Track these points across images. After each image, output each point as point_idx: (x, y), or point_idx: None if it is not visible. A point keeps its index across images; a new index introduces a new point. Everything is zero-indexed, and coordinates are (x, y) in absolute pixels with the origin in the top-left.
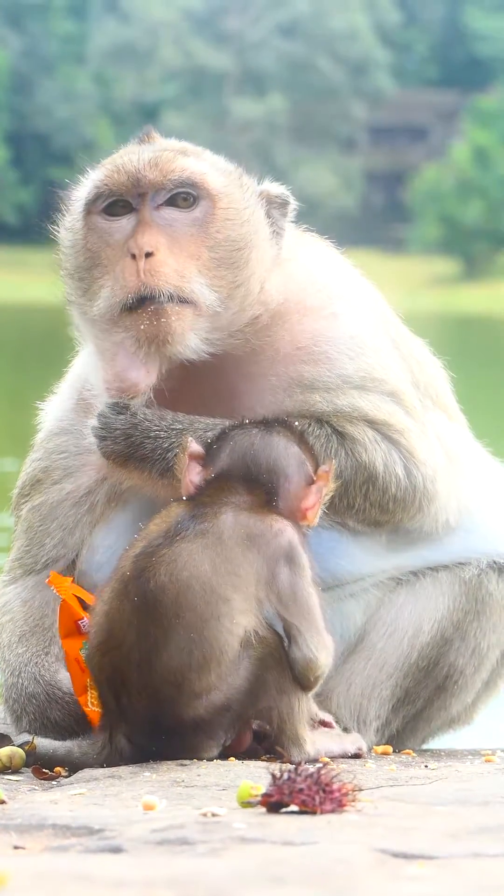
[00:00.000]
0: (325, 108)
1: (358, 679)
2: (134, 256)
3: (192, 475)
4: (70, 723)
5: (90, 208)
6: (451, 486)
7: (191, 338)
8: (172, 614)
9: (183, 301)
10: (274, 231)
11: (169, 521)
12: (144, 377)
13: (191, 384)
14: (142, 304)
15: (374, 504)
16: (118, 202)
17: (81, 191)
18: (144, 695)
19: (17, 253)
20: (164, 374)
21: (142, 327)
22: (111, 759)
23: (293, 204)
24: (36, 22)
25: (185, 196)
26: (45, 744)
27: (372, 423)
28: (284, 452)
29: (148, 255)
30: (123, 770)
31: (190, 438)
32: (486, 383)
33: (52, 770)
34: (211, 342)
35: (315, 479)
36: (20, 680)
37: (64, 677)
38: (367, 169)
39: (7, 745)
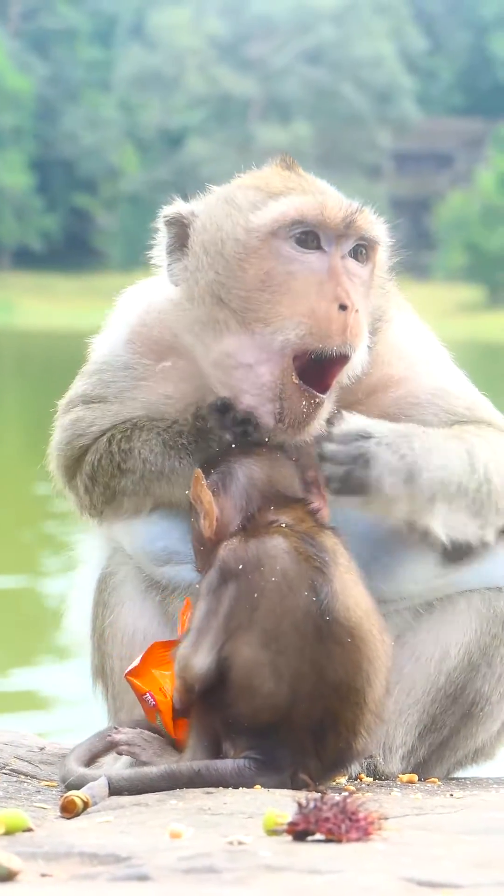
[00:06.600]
0: (350, 134)
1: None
2: (343, 308)
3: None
4: None
5: (278, 232)
6: None
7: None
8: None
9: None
10: None
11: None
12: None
13: None
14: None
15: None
16: (310, 235)
17: (264, 212)
18: (356, 731)
19: (42, 279)
20: None
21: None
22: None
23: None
24: (62, 48)
25: (364, 251)
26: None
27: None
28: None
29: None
30: (150, 798)
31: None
32: None
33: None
34: None
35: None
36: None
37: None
38: (393, 196)
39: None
